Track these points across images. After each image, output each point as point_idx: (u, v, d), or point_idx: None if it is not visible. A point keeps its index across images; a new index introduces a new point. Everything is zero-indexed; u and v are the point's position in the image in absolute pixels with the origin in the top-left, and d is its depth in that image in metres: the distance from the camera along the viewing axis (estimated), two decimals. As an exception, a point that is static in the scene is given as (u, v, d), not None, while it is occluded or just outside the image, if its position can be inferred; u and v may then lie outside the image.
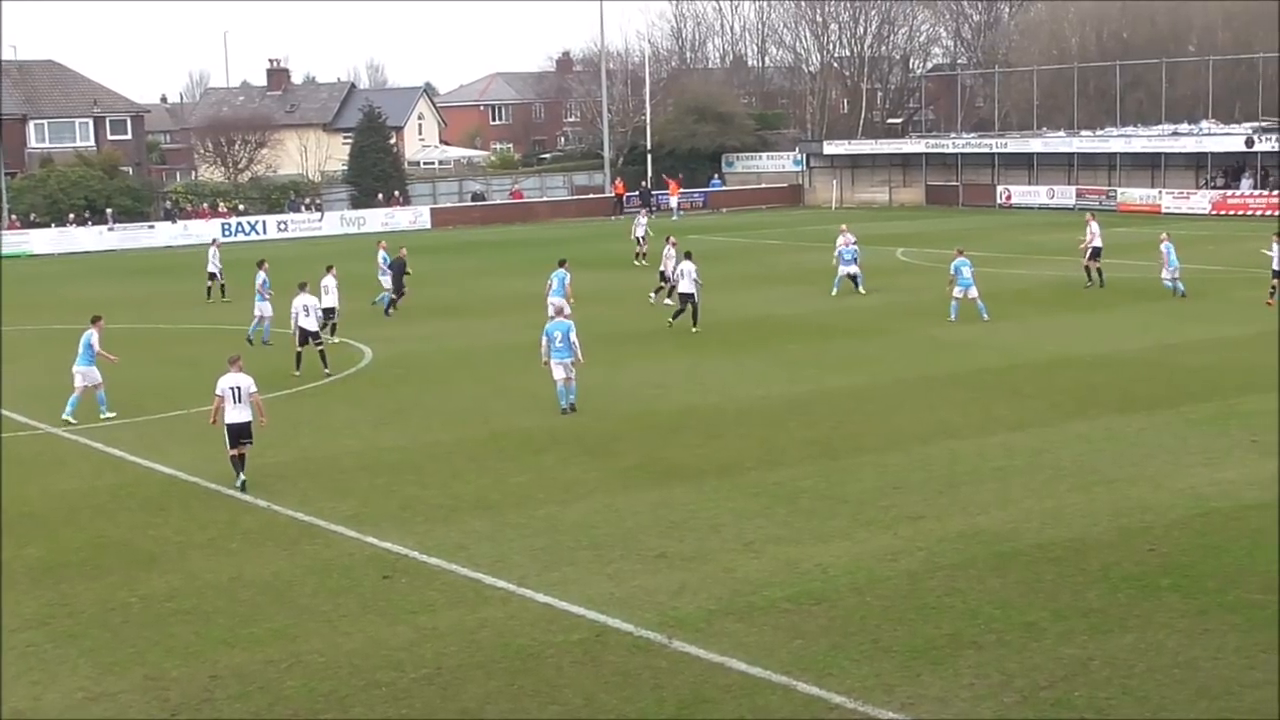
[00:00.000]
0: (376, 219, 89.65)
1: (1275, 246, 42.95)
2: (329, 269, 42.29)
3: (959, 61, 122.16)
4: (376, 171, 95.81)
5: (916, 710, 14.90)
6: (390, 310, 46.83)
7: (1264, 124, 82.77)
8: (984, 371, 33.61)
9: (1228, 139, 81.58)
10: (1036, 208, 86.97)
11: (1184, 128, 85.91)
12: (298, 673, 16.40)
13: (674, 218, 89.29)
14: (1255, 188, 79.85)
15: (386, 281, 47.46)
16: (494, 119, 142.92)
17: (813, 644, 16.69)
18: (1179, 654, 16.05)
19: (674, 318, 41.59)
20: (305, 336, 35.84)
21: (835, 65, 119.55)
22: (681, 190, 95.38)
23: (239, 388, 24.31)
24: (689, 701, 15.29)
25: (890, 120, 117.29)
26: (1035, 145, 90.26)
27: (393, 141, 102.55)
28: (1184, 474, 23.74)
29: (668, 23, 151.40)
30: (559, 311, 29.98)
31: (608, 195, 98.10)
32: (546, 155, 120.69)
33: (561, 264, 40.70)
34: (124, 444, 28.59)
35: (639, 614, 17.80)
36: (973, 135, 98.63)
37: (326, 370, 35.54)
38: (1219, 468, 24.06)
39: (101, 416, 31.04)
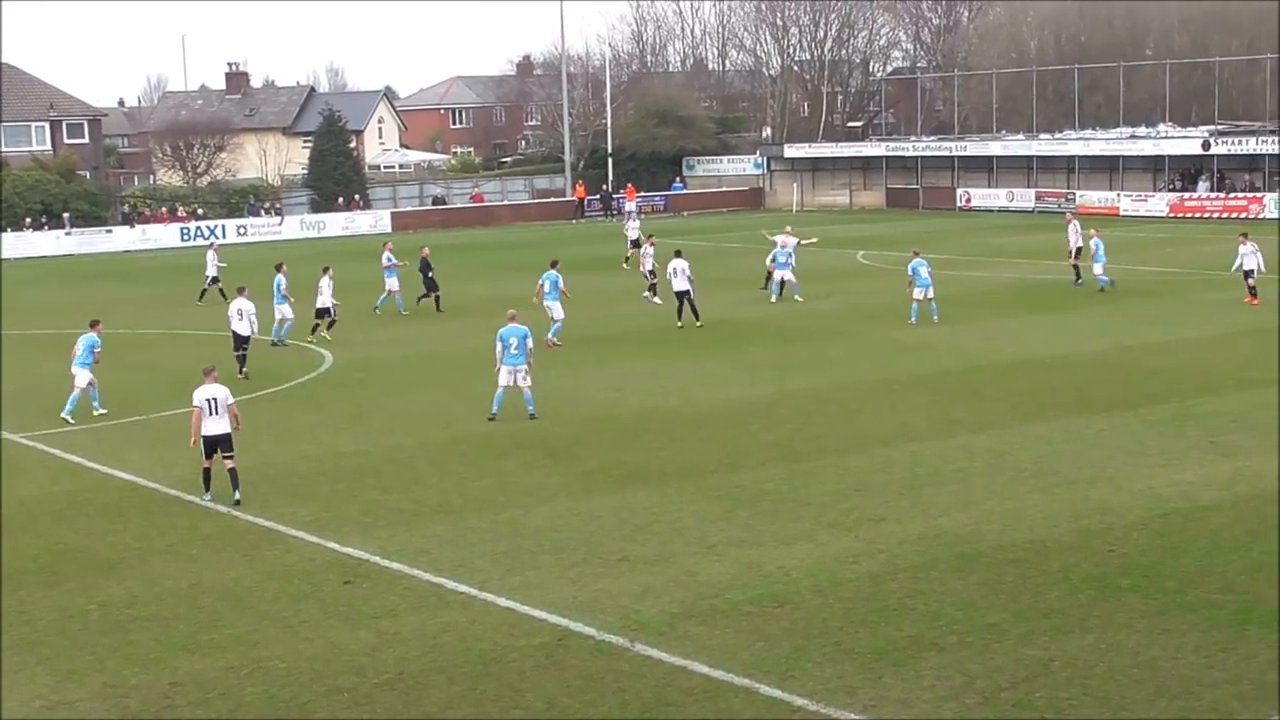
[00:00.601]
0: (337, 223, 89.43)
1: (1240, 249, 43.61)
2: (325, 270, 42.65)
3: (919, 65, 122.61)
4: (337, 175, 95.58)
5: (879, 712, 14.93)
6: (439, 308, 47.16)
7: (1220, 127, 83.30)
8: (945, 374, 33.71)
9: (1185, 142, 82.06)
10: (996, 210, 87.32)
11: (1141, 131, 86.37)
12: (259, 679, 16.33)
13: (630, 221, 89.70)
14: (1212, 190, 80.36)
15: (392, 283, 47.36)
16: (454, 122, 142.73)
17: (775, 646, 16.70)
18: (1139, 654, 16.13)
19: (680, 318, 42.12)
20: (239, 341, 35.89)
21: (795, 69, 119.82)
22: (642, 194, 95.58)
23: (215, 399, 23.84)
24: (652, 705, 15.29)
25: (850, 123, 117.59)
26: (995, 148, 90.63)
27: (353, 145, 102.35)
28: (1143, 475, 23.86)
29: (628, 26, 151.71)
30: (511, 318, 29.83)
31: (569, 199, 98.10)
32: (507, 159, 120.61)
33: (553, 265, 40.35)
34: (82, 450, 28.42)
35: (601, 618, 17.78)
36: (932, 138, 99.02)
37: (241, 374, 35.44)
38: (1177, 469, 24.19)
39: (95, 413, 31.49)
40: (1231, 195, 79.06)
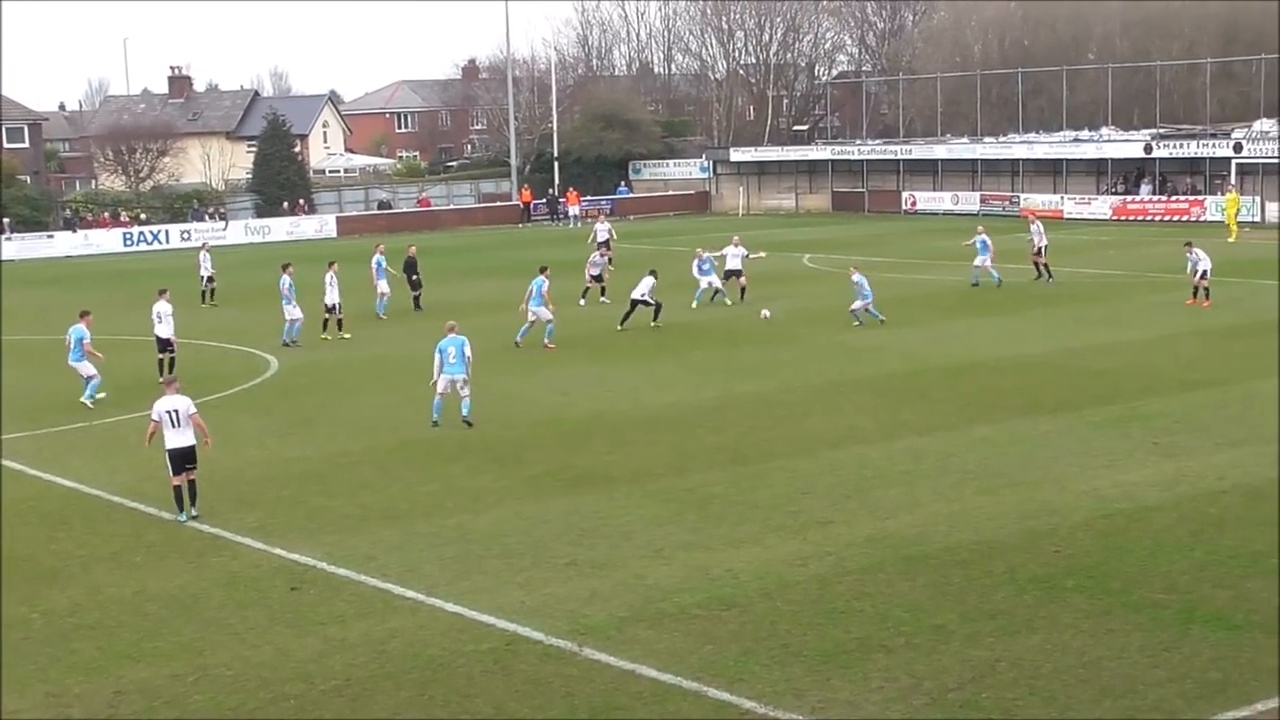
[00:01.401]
0: (281, 228, 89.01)
1: (1189, 255, 44.20)
2: (330, 265, 43.11)
3: (864, 68, 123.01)
4: (281, 180, 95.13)
5: (827, 713, 14.97)
6: (418, 306, 47.81)
7: (1162, 131, 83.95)
8: (891, 376, 33.83)
9: (1127, 145, 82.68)
10: (941, 214, 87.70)
11: (1085, 134, 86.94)
12: (204, 686, 16.23)
13: (572, 226, 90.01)
14: (1154, 193, 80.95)
15: (383, 286, 47.35)
16: (400, 126, 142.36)
17: (723, 650, 16.72)
18: (1084, 654, 16.23)
19: (623, 323, 42.54)
20: (161, 344, 35.95)
21: (741, 72, 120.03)
22: (588, 198, 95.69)
23: (176, 410, 23.02)
24: (600, 709, 15.28)
25: (796, 127, 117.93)
26: (939, 152, 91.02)
27: (297, 149, 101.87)
28: (1088, 476, 24.01)
29: (574, 30, 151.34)
30: (450, 329, 29.79)
31: (515, 203, 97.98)
32: (453, 163, 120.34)
33: (542, 271, 40.21)
34: (24, 457, 28.16)
35: (550, 622, 17.76)
36: (878, 142, 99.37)
37: (161, 379, 35.32)
38: (1122, 470, 24.35)
39: (90, 403, 32.70)
40: (1173, 198, 79.66)
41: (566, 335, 42.00)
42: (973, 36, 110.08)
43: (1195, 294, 43.93)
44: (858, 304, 41.60)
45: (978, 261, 49.70)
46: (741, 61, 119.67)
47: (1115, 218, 79.54)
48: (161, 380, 24.32)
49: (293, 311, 41.37)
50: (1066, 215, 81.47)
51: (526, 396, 32.84)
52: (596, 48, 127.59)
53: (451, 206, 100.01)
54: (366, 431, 29.74)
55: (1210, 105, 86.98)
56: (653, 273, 43.29)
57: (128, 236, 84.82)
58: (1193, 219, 76.54)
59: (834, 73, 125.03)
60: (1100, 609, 17.66)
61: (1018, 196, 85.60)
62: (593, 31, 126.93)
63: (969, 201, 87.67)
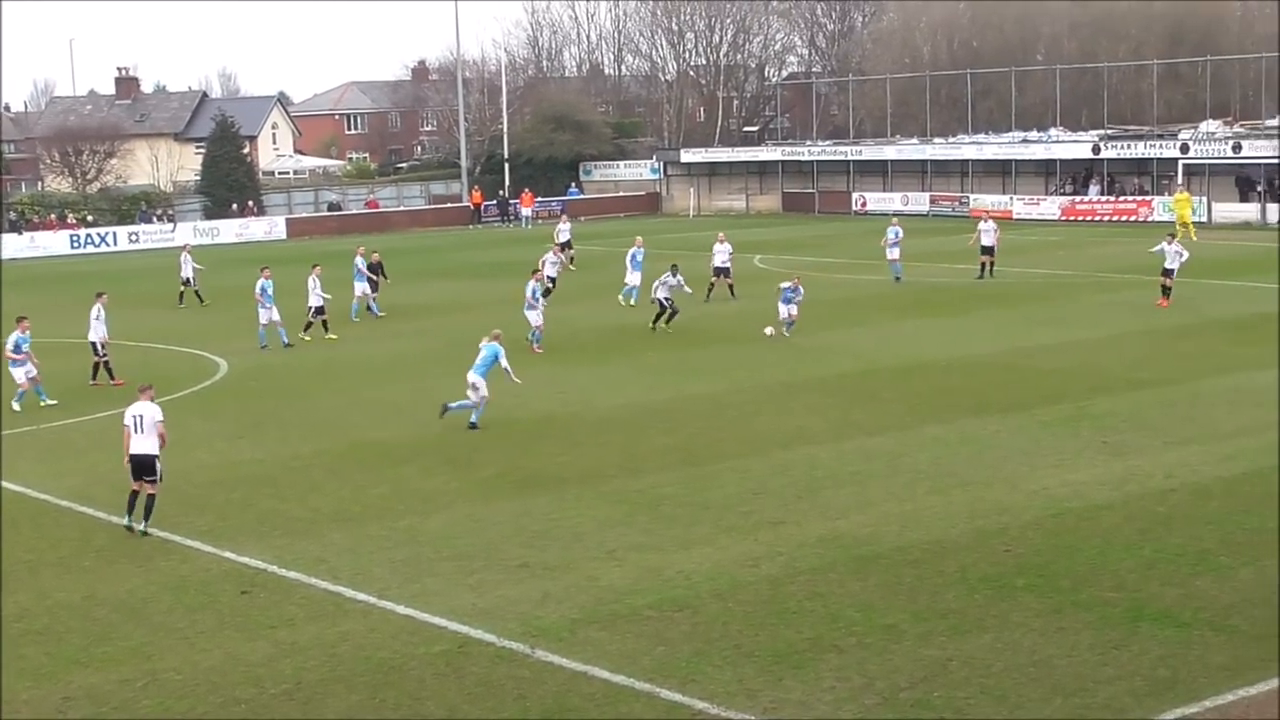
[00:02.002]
0: (231, 229, 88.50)
1: (1165, 246, 43.99)
2: (314, 267, 42.93)
3: (814, 70, 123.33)
4: (230, 181, 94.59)
5: (779, 714, 14.99)
6: (373, 309, 47.30)
7: (1109, 131, 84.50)
8: (842, 377, 33.92)
9: (1075, 146, 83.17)
10: (891, 214, 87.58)
11: (1033, 135, 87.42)
12: (154, 691, 16.12)
13: (525, 227, 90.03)
14: (1102, 193, 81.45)
15: (360, 288, 47.44)
16: (349, 128, 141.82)
17: (676, 651, 16.72)
18: (1034, 652, 16.30)
19: (667, 321, 41.61)
20: (95, 348, 35.99)
21: (691, 73, 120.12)
22: (539, 199, 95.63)
23: (141, 416, 22.56)
24: (553, 710, 15.26)
25: (746, 128, 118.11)
26: (889, 152, 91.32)
27: (246, 151, 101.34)
28: (1038, 475, 24.13)
29: (524, 31, 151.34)
30: (494, 337, 30.12)
31: (465, 205, 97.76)
32: (403, 165, 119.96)
33: (534, 275, 39.72)
34: (-29, 461, 27.92)
35: (502, 624, 17.73)
36: (828, 143, 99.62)
37: (93, 382, 35.42)
38: (1071, 469, 24.49)
39: (42, 404, 32.89)
40: (1121, 198, 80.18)
41: (520, 336, 41.93)
42: (922, 38, 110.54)
43: (1166, 293, 43.54)
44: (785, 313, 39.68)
45: (892, 255, 51.84)
46: (692, 63, 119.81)
47: (1064, 218, 79.96)
48: (112, 383, 24.14)
49: (269, 315, 41.10)
50: (1016, 216, 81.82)
51: (478, 398, 32.75)
52: (547, 49, 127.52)
53: (402, 208, 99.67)
54: (317, 434, 29.62)
55: (1157, 106, 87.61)
56: (674, 268, 42.23)
57: (75, 239, 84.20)
58: (1140, 219, 77.06)
59: (784, 74, 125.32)
60: (1050, 607, 17.76)
61: (967, 197, 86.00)
62: (543, 33, 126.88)
63: (919, 202, 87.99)
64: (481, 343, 30.08)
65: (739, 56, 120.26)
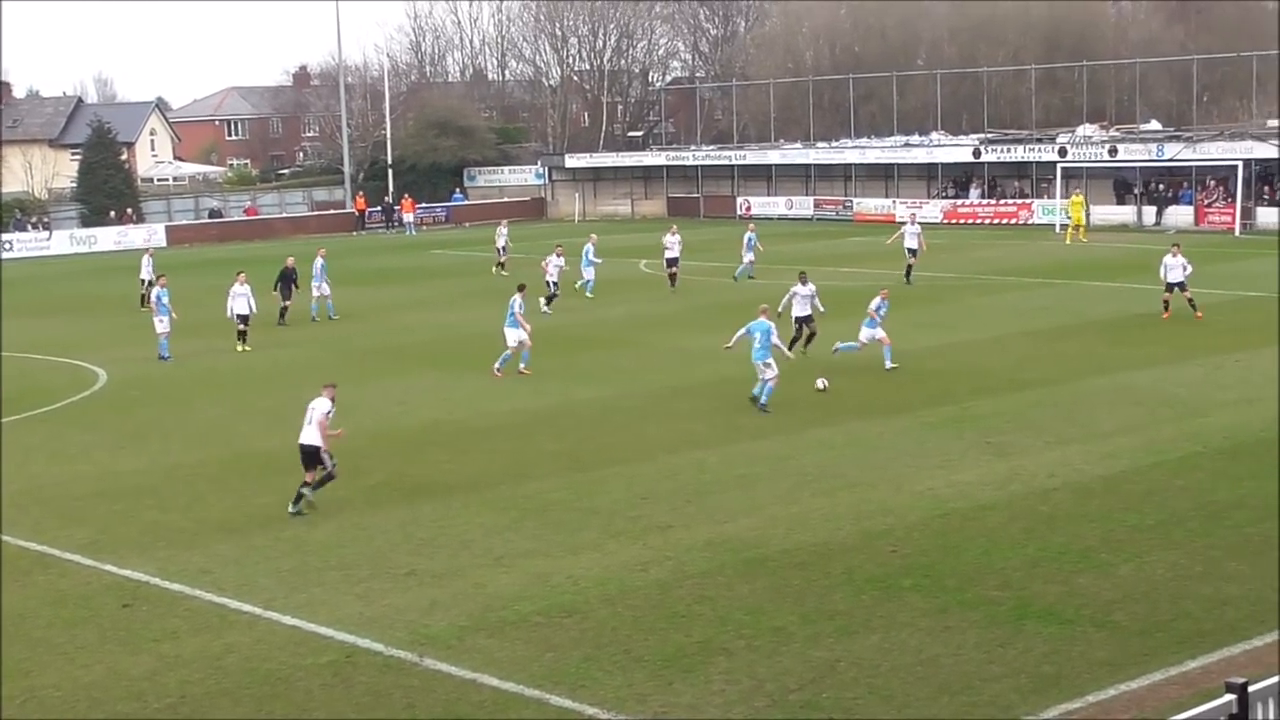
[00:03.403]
0: (109, 237, 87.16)
1: (1168, 260, 41.29)
2: (239, 274, 42.03)
3: (697, 75, 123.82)
4: (107, 189, 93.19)
5: (669, 717, 14.99)
6: (283, 319, 46.58)
7: (990, 135, 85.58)
8: (728, 381, 33.96)
9: (957, 150, 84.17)
10: (776, 218, 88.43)
11: (915, 139, 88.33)
12: (32, 709, 15.83)
13: (409, 234, 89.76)
14: (983, 197, 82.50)
15: (324, 289, 47.73)
16: (230, 134, 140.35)
17: (565, 656, 16.68)
18: (921, 652, 16.43)
19: (806, 344, 36.56)
20: None
21: (575, 79, 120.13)
22: (423, 205, 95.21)
23: (313, 409, 23.29)
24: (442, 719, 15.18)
25: (631, 133, 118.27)
26: (773, 157, 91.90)
27: (124, 157, 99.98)
28: (923, 476, 24.34)
29: (406, 36, 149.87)
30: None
31: (349, 211, 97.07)
32: (285, 171, 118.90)
33: (520, 290, 36.87)
34: None
35: (389, 633, 17.60)
36: (712, 147, 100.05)
37: None
38: (955, 470, 24.72)
39: None
40: (1002, 201, 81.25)
41: (404, 343, 41.74)
42: (804, 43, 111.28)
43: (1167, 307, 41.02)
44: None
45: (747, 258, 53.38)
46: (576, 68, 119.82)
47: (946, 221, 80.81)
48: None
49: (162, 325, 40.29)
50: (898, 219, 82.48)
51: (363, 406, 32.49)
52: (430, 54, 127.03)
53: (284, 215, 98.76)
54: (200, 444, 29.26)
55: (1035, 111, 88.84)
56: (803, 276, 37.12)
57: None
58: (1021, 222, 78.15)
59: (668, 79, 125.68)
60: (937, 607, 17.90)
61: (851, 201, 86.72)
62: (426, 38, 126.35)
63: (803, 206, 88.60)
64: (751, 324, 30.38)
65: (623, 61, 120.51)
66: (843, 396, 31.52)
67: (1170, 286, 41.02)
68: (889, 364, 34.42)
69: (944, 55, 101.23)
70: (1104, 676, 15.55)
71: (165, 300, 40.22)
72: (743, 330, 30.66)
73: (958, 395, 31.16)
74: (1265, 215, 71.47)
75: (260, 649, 17.35)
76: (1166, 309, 40.99)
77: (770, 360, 30.20)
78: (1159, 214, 75.56)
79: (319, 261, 47.78)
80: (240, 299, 41.54)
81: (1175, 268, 40.92)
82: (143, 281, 52.64)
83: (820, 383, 32.30)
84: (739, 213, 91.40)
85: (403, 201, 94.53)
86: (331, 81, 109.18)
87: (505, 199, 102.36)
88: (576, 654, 16.76)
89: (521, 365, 35.72)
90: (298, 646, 17.40)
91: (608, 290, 51.28)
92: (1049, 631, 16.91)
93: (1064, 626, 17.06)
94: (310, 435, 23.21)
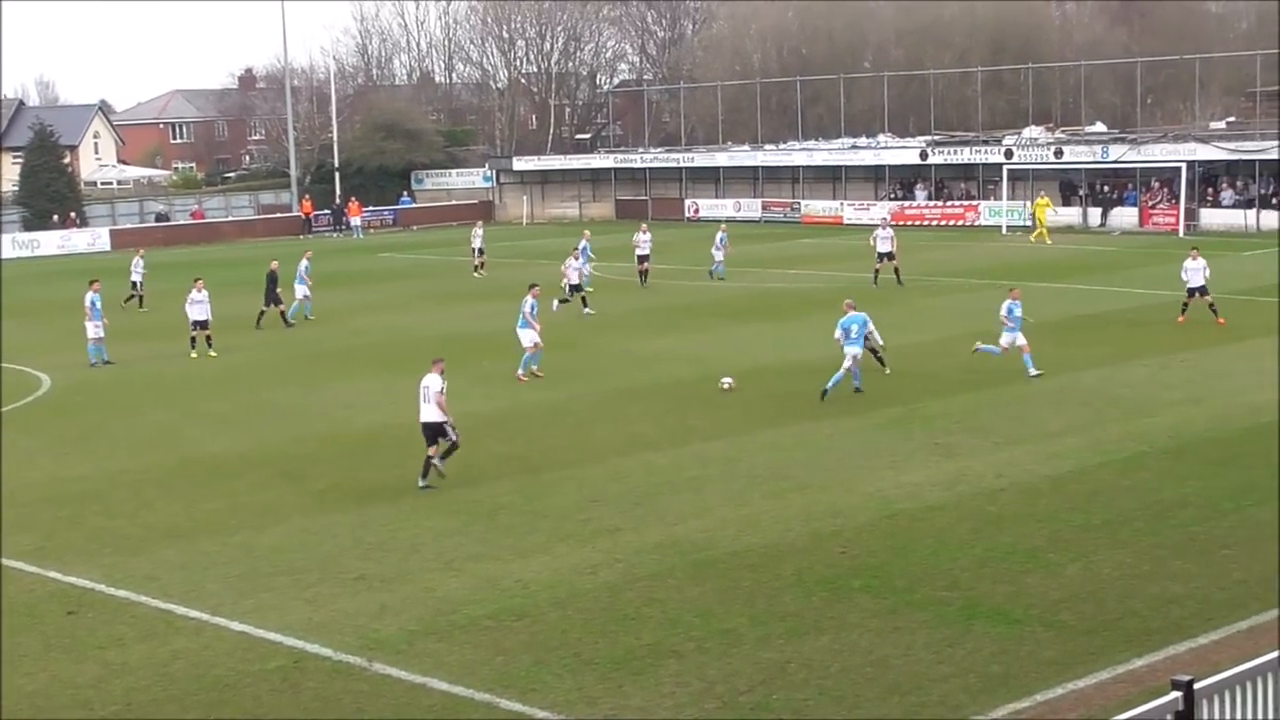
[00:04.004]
0: (52, 241, 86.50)
1: (1188, 264, 40.32)
2: (196, 280, 41.71)
3: (645, 77, 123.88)
4: (50, 192, 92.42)
5: (620, 721, 14.99)
6: (260, 323, 46.47)
7: (936, 137, 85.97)
8: (678, 383, 34.04)
9: (903, 152, 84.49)
10: (724, 220, 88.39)
11: (862, 141, 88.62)
12: (-22, 717, 15.69)
13: (356, 237, 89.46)
14: (930, 198, 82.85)
15: (303, 290, 48.00)
16: (175, 137, 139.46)
17: (515, 660, 16.65)
18: (871, 652, 16.47)
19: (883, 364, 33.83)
20: None
21: (523, 81, 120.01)
22: (370, 208, 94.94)
23: (427, 387, 24.72)
24: (392, 725, 15.11)
25: (579, 136, 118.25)
26: (721, 159, 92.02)
27: (67, 161, 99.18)
28: (872, 477, 24.41)
29: (353, 39, 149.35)
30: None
31: (296, 214, 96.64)
32: (231, 174, 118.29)
33: (531, 289, 36.59)
34: None
35: (339, 638, 17.52)
36: (660, 150, 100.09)
37: None
38: (904, 471, 24.80)
39: None
40: (949, 203, 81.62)
41: (350, 346, 41.57)
42: (752, 45, 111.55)
43: (1184, 311, 40.11)
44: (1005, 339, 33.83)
45: (719, 257, 54.43)
46: (523, 70, 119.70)
47: (894, 222, 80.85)
48: None
49: (95, 330, 39.91)
50: (846, 221, 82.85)
51: (311, 410, 32.40)
52: (376, 57, 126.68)
53: (230, 218, 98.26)
54: (147, 449, 29.07)
55: (982, 113, 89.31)
56: (851, 307, 32.35)
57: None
58: (968, 224, 78.52)
59: (615, 81, 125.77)
60: (886, 608, 17.96)
61: (799, 203, 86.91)
62: (372, 40, 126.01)
63: (751, 208, 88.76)
64: (844, 319, 31.25)
65: (570, 64, 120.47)
66: (792, 399, 31.58)
67: (1192, 292, 40.02)
68: (1032, 371, 32.50)
69: (891, 58, 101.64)
70: (1052, 675, 15.63)
71: (99, 305, 39.93)
72: (839, 332, 31.34)
73: (906, 396, 31.26)
74: (1209, 216, 72.09)
75: (208, 655, 17.24)
76: (1183, 313, 40.12)
77: (859, 352, 31.17)
78: (1104, 215, 76.09)
79: (304, 264, 48.35)
80: (198, 306, 41.20)
81: (1196, 272, 39.91)
82: (134, 284, 52.90)
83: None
84: (687, 215, 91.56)
85: (349, 205, 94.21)
86: (277, 84, 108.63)
87: (453, 202, 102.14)
88: (526, 657, 16.73)
89: (533, 367, 35.45)
90: (246, 652, 17.30)
91: (553, 292, 51.19)
92: (997, 631, 16.98)
93: (1012, 626, 17.13)
94: (430, 413, 24.69)
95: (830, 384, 30.85)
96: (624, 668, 16.30)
